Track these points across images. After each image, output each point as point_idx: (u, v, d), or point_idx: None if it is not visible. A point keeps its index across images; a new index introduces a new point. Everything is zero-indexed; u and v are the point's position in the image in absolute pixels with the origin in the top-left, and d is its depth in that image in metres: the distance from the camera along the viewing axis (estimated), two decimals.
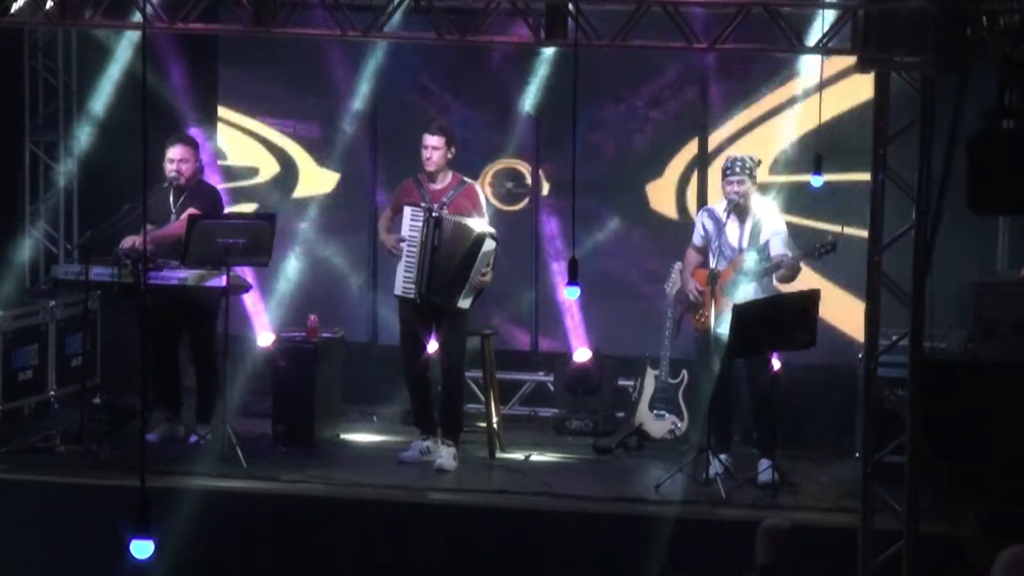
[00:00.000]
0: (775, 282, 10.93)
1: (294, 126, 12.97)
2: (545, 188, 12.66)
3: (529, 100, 12.38)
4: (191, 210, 11.14)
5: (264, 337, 12.31)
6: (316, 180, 12.92)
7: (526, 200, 12.70)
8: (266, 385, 11.80)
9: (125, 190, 11.41)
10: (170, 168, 11.31)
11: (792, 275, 10.85)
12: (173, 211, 11.35)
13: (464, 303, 10.98)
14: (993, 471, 9.64)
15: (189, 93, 12.68)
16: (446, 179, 11.15)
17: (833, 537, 9.70)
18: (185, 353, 11.63)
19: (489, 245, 10.94)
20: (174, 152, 11.32)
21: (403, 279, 11.06)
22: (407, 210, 11.06)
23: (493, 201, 12.47)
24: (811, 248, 10.82)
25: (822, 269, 11.02)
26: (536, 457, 11.49)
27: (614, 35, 9.76)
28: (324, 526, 10.30)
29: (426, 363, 11.12)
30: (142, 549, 5.97)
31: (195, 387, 11.55)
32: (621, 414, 12.01)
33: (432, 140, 11.05)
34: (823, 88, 11.12)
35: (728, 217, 10.93)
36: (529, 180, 12.68)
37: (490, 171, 12.67)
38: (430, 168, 11.08)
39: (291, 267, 12.50)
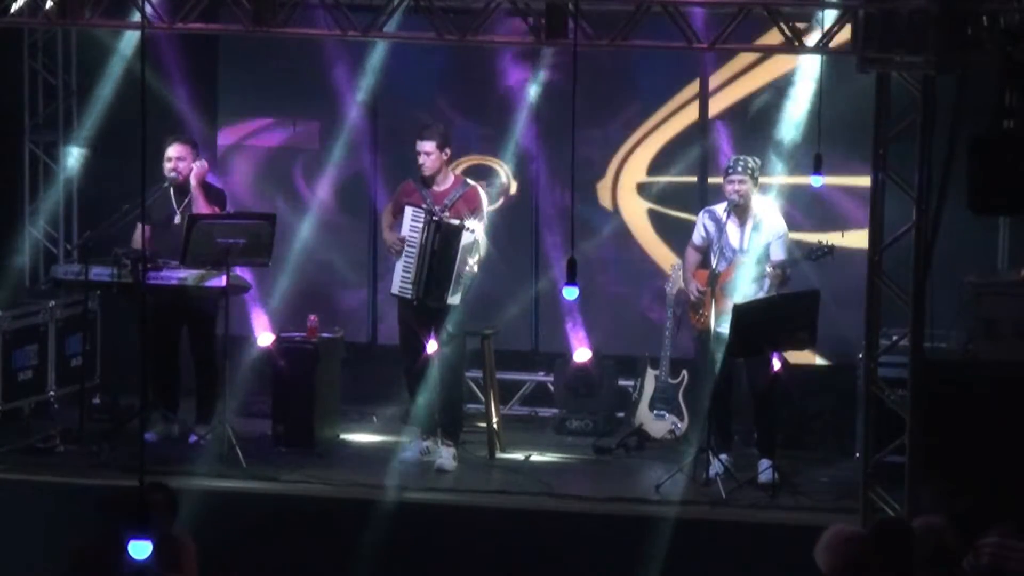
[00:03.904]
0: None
1: (294, 126, 12.96)
2: (544, 187, 12.65)
3: (528, 99, 12.38)
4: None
5: (264, 337, 12.30)
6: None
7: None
8: (266, 385, 11.79)
9: (125, 190, 11.42)
10: (168, 167, 11.32)
11: (781, 284, 10.83)
12: (177, 211, 11.36)
13: (454, 299, 10.97)
14: (993, 471, 9.64)
15: (189, 93, 12.67)
16: (448, 181, 11.15)
17: None
18: (184, 353, 11.63)
19: (467, 238, 10.92)
20: (172, 151, 11.34)
21: (400, 278, 11.07)
22: (408, 210, 11.06)
23: None
24: (808, 251, 10.84)
25: (822, 267, 11.01)
26: (536, 457, 11.48)
27: (614, 35, 9.76)
28: (324, 526, 10.30)
29: (426, 362, 11.12)
30: (140, 550, 5.96)
31: (195, 387, 11.56)
32: (621, 414, 12.01)
33: (425, 146, 11.03)
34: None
35: (728, 217, 10.93)
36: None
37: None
38: (426, 173, 11.06)
39: (291, 267, 12.48)
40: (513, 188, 12.66)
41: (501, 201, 12.57)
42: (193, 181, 11.33)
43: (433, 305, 10.97)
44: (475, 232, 10.98)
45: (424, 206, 11.03)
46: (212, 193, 11.47)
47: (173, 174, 11.32)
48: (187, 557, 8.11)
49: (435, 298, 10.96)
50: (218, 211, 11.33)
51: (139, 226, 11.25)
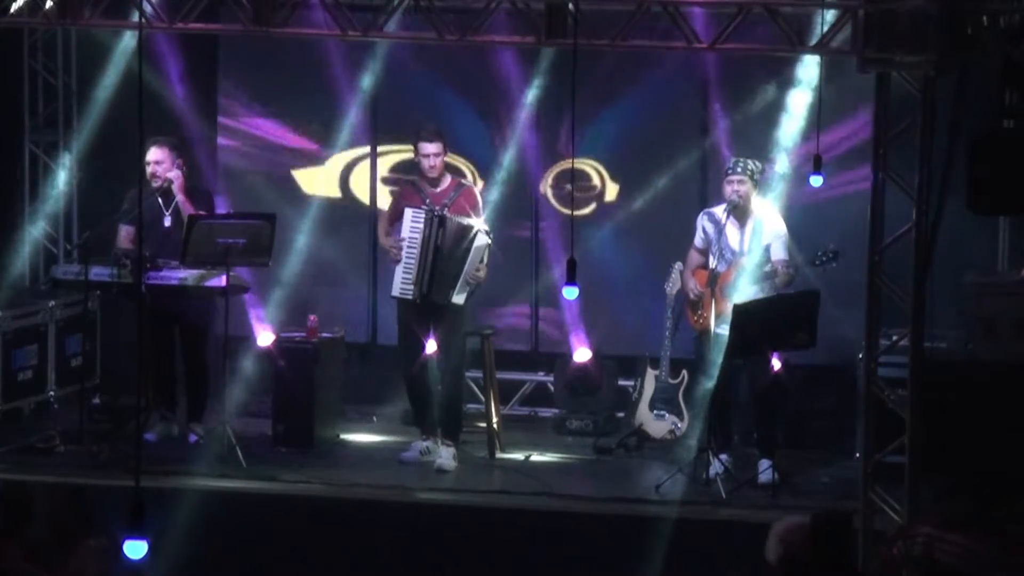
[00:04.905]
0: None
1: (294, 126, 12.96)
2: (544, 187, 12.65)
3: (529, 99, 12.37)
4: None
5: (264, 337, 12.30)
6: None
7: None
8: (266, 385, 11.79)
9: (125, 190, 11.42)
10: (148, 171, 11.27)
11: (789, 282, 10.85)
12: (165, 213, 11.34)
13: (458, 299, 10.98)
14: (993, 471, 9.63)
15: (188, 93, 12.67)
16: (445, 182, 11.16)
17: None
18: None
19: (482, 240, 10.95)
20: (150, 154, 11.27)
21: (401, 280, 11.07)
22: (408, 212, 11.06)
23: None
24: (812, 256, 10.84)
25: (815, 268, 11.02)
26: (536, 457, 11.48)
27: (614, 35, 9.75)
28: (324, 526, 10.30)
29: (424, 363, 11.12)
30: (136, 549, 5.96)
31: (185, 388, 11.56)
32: (621, 414, 12.01)
33: (432, 147, 11.03)
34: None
35: (727, 218, 10.93)
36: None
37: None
38: (433, 175, 11.07)
39: (291, 267, 12.47)
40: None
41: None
42: (176, 193, 11.30)
43: (437, 301, 10.97)
44: (490, 235, 11.00)
45: (424, 206, 11.03)
46: (197, 196, 11.44)
47: (154, 179, 11.30)
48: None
49: (439, 293, 10.95)
50: (203, 213, 11.29)
51: (122, 227, 11.27)
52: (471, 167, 12.52)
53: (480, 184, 12.31)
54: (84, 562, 7.44)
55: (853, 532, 7.12)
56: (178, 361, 11.63)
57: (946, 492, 9.33)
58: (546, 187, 12.56)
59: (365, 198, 12.84)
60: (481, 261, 11.00)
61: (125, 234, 11.35)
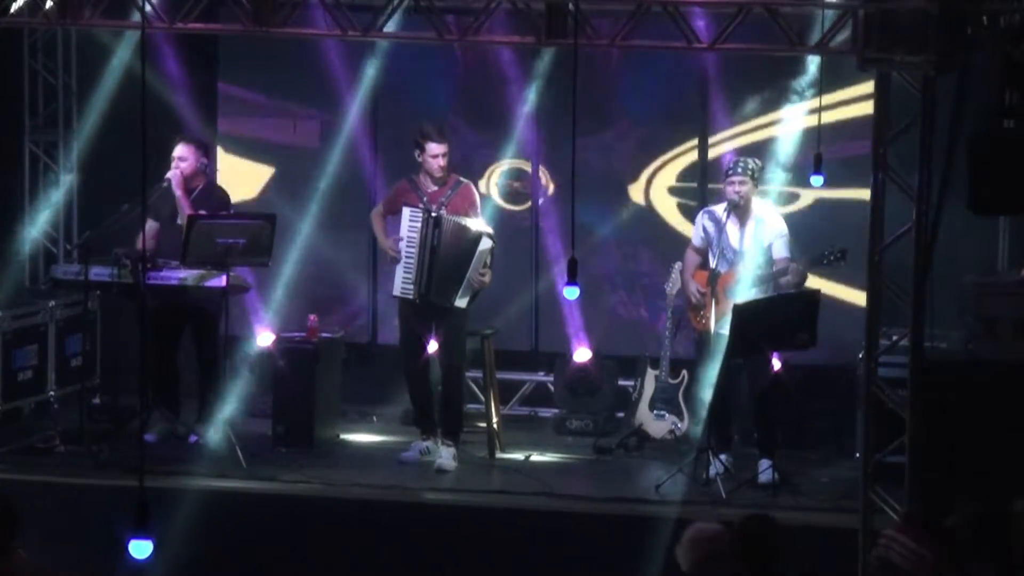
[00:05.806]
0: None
1: (294, 126, 12.96)
2: (546, 187, 12.65)
3: (529, 100, 12.37)
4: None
5: (264, 337, 12.30)
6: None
7: (529, 202, 12.69)
8: (266, 385, 11.80)
9: (125, 190, 11.41)
10: (172, 166, 11.32)
11: (800, 282, 10.86)
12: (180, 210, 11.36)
13: (461, 302, 10.98)
14: (993, 471, 9.64)
15: (189, 93, 12.67)
16: (443, 180, 11.15)
17: (833, 537, 9.70)
18: (184, 353, 11.62)
19: (485, 244, 10.95)
20: (175, 151, 11.34)
21: (402, 279, 11.06)
22: (406, 211, 11.05)
23: (497, 201, 12.51)
24: (819, 255, 10.83)
25: (823, 267, 11.02)
26: (536, 457, 11.48)
27: (614, 35, 9.76)
28: (324, 526, 10.31)
29: (426, 363, 11.12)
30: (141, 549, 5.97)
31: (198, 387, 11.55)
32: (621, 414, 12.01)
33: (442, 148, 11.01)
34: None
35: (728, 218, 10.93)
36: (544, 181, 12.66)
37: (496, 169, 12.66)
38: (440, 174, 11.05)
39: (291, 267, 12.47)
40: (546, 188, 12.65)
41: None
42: (175, 189, 11.32)
43: (439, 303, 10.96)
44: (492, 239, 10.98)
45: (421, 205, 11.04)
46: (208, 195, 11.44)
47: (174, 173, 11.32)
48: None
49: (440, 296, 10.94)
50: (203, 213, 11.28)
51: (147, 222, 11.28)
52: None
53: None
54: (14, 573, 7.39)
55: (778, 533, 7.10)
56: (182, 361, 11.62)
57: (947, 493, 9.34)
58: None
59: (367, 198, 12.84)
60: (485, 265, 10.99)
61: (148, 228, 11.32)
